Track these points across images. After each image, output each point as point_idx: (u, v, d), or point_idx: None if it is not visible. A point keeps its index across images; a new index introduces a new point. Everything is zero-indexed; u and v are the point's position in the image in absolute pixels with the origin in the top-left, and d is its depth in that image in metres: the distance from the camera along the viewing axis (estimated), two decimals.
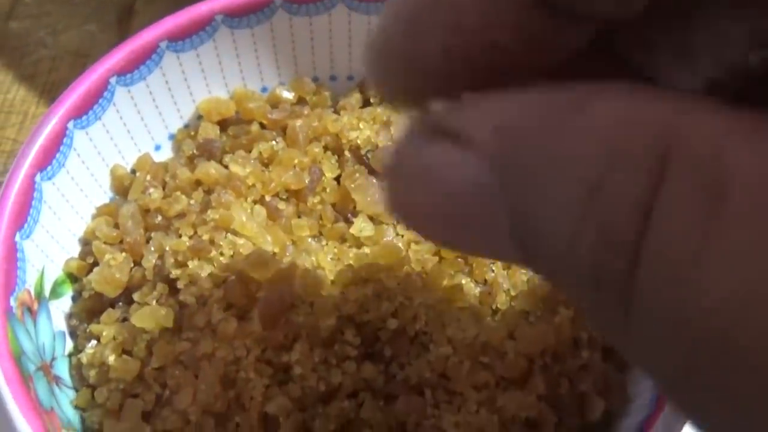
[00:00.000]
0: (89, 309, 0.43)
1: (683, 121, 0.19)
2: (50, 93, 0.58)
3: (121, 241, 0.44)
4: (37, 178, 0.42)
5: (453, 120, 0.21)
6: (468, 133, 0.21)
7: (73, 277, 0.44)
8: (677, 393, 0.20)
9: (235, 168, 0.44)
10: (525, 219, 0.20)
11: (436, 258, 0.43)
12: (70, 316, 0.43)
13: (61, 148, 0.43)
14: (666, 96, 0.20)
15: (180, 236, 0.42)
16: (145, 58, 0.46)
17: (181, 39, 0.46)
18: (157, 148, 0.48)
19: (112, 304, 0.43)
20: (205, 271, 0.40)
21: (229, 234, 0.42)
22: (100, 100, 0.45)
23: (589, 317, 0.20)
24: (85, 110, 0.44)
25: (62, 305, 0.43)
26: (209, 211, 0.42)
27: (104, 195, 0.46)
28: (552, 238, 0.20)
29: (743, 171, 0.18)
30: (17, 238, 0.40)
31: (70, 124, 0.43)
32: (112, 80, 0.45)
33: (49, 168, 0.43)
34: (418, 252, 0.43)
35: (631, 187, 0.19)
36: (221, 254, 0.41)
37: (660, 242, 0.18)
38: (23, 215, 0.41)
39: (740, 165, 0.18)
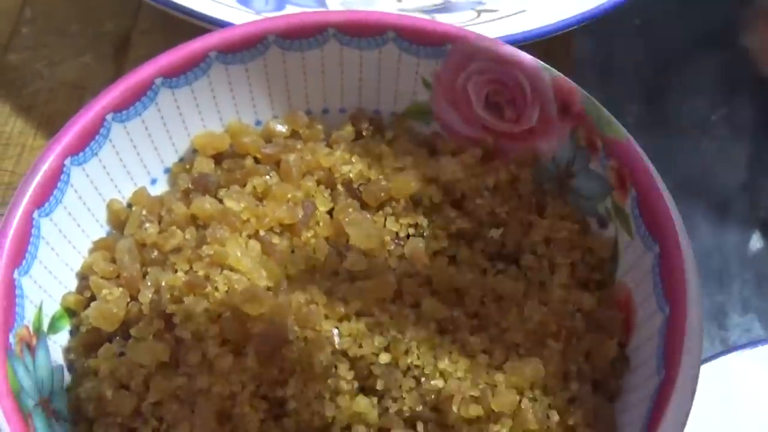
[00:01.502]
0: (87, 343, 0.44)
1: None
2: (47, 125, 0.59)
3: (118, 276, 0.45)
4: (35, 215, 0.43)
5: None
6: None
7: (71, 312, 0.45)
8: None
9: (229, 203, 0.45)
10: None
11: (428, 291, 0.44)
12: (68, 351, 0.44)
13: (59, 184, 0.44)
14: None
15: (176, 271, 0.43)
16: (141, 94, 0.46)
17: (175, 75, 0.47)
18: (153, 181, 0.49)
19: (110, 338, 0.43)
20: (201, 306, 0.41)
21: (224, 270, 0.42)
22: (97, 137, 0.45)
23: None
24: (81, 147, 0.45)
25: (61, 339, 0.44)
26: (204, 247, 0.43)
27: (101, 229, 0.47)
28: None
29: None
30: (15, 275, 0.41)
31: (67, 161, 0.44)
32: (108, 117, 0.45)
33: (47, 204, 0.43)
34: (410, 285, 0.44)
35: None
36: (216, 290, 0.42)
37: None
38: (21, 252, 0.42)
39: None
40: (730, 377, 0.53)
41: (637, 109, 0.71)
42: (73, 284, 0.45)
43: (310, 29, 0.49)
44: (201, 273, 0.42)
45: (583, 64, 0.72)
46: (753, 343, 0.55)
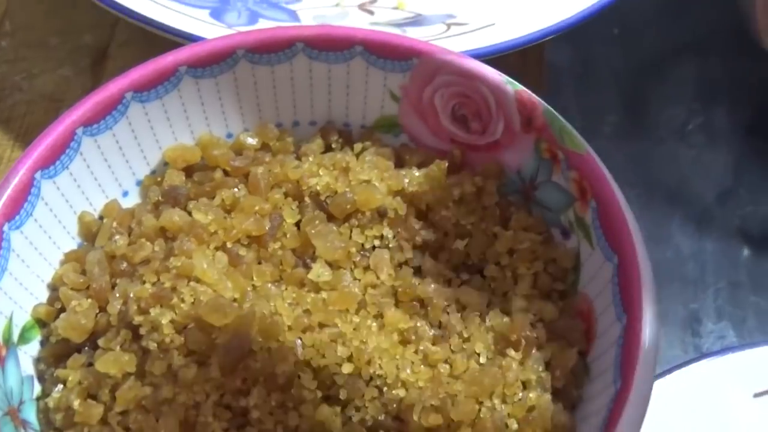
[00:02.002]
0: (56, 354, 0.44)
1: None
2: (25, 137, 0.60)
3: (88, 287, 0.45)
4: (5, 228, 0.43)
5: None
6: None
7: (41, 323, 0.45)
8: None
9: (197, 215, 0.46)
10: None
11: (392, 302, 0.45)
12: (38, 361, 0.45)
13: (29, 198, 0.44)
14: None
15: (144, 283, 0.44)
16: (111, 108, 0.47)
17: (146, 89, 0.48)
18: (125, 194, 0.50)
19: (79, 349, 0.44)
20: (167, 318, 0.42)
21: (191, 281, 0.43)
22: (67, 151, 0.46)
23: None
24: (52, 161, 0.45)
25: (31, 350, 0.45)
26: (172, 259, 0.44)
27: (72, 241, 0.48)
28: None
29: None
30: None
31: (38, 175, 0.45)
32: (79, 131, 0.46)
33: (17, 218, 0.44)
34: (374, 296, 0.44)
35: None
36: (182, 301, 0.42)
37: None
38: None
39: None
40: (703, 384, 0.54)
41: (615, 118, 0.72)
42: (43, 295, 0.46)
43: (278, 43, 0.49)
44: (167, 285, 0.43)
45: (561, 74, 0.73)
46: (725, 350, 0.56)
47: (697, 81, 0.74)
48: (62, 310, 0.45)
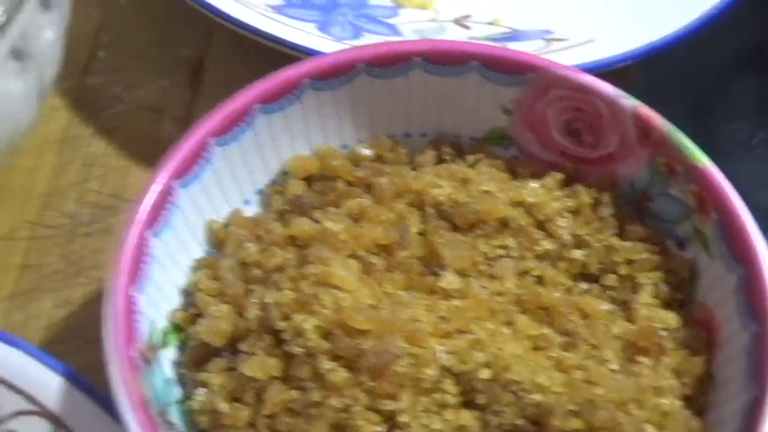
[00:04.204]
0: (196, 358, 0.46)
1: None
2: (129, 145, 0.61)
3: (221, 293, 0.47)
4: (147, 235, 0.45)
5: None
6: None
7: (178, 328, 0.47)
8: None
9: (328, 224, 0.47)
10: None
11: (519, 309, 0.46)
12: (178, 365, 0.46)
13: (167, 206, 0.46)
14: None
15: (280, 289, 0.45)
16: (239, 120, 0.49)
17: (271, 102, 0.49)
18: (246, 203, 0.51)
19: (216, 353, 0.45)
20: (311, 323, 0.43)
21: (330, 288, 0.44)
22: (200, 161, 0.47)
23: None
24: (186, 170, 0.47)
25: (169, 354, 0.46)
26: (309, 266, 0.45)
27: (200, 248, 0.49)
28: None
29: None
30: (133, 292, 0.43)
31: (175, 184, 0.46)
32: (211, 141, 0.48)
33: (157, 226, 0.45)
34: (501, 304, 0.46)
35: None
36: (323, 307, 0.44)
37: None
38: (136, 271, 0.44)
39: None
40: None
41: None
42: (178, 301, 0.47)
43: (397, 58, 0.51)
44: (308, 291, 0.44)
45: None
46: None
47: (760, 94, 0.76)
48: (197, 315, 0.46)
